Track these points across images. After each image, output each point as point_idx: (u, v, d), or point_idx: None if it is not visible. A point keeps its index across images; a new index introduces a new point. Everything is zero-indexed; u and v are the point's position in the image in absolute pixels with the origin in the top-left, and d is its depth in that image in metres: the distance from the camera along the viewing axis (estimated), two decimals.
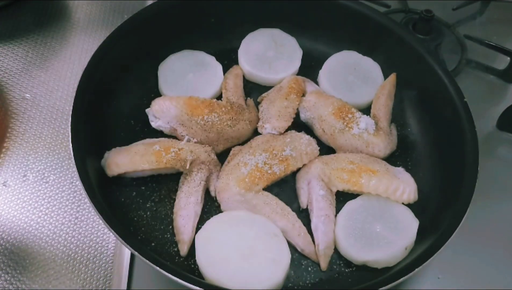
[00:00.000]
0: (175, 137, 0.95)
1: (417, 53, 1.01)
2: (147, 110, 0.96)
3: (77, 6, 1.23)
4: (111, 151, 0.89)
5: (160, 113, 0.93)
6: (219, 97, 1.02)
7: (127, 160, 0.86)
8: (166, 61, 1.04)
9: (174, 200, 0.87)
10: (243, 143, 0.97)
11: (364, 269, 0.83)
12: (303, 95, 1.01)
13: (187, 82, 1.02)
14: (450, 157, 0.92)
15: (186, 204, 0.85)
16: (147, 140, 0.92)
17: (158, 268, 0.70)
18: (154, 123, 0.95)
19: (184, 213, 0.85)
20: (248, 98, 1.03)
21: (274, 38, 1.10)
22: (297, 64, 1.07)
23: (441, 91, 0.96)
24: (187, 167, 0.87)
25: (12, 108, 1.03)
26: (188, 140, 0.92)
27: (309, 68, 1.08)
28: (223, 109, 0.94)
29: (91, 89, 0.89)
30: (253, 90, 1.06)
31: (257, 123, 0.98)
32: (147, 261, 0.71)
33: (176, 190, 0.89)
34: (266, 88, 1.06)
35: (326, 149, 0.96)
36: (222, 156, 0.94)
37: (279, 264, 0.78)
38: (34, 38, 1.15)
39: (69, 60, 1.12)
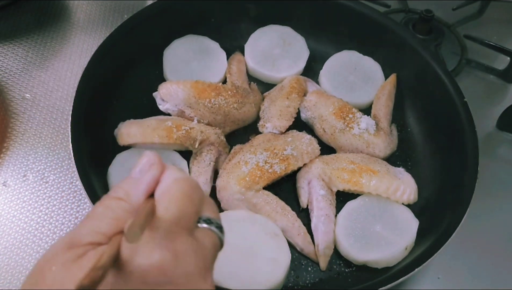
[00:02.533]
0: None
1: (417, 53, 1.01)
2: (154, 94, 0.96)
3: (77, 6, 1.23)
4: (125, 122, 0.91)
5: (168, 97, 0.94)
6: (223, 83, 1.03)
7: (139, 131, 0.88)
8: (170, 47, 1.05)
9: None
10: (248, 125, 0.99)
11: (364, 269, 0.83)
12: (305, 94, 1.01)
13: (192, 69, 1.03)
14: (450, 157, 0.92)
15: None
16: (161, 117, 0.94)
17: None
18: (162, 106, 0.95)
19: None
20: (252, 82, 1.04)
21: (283, 36, 1.09)
22: (301, 65, 1.07)
23: (441, 91, 0.96)
24: (196, 146, 0.89)
25: (12, 108, 1.03)
26: (199, 121, 0.93)
27: (310, 68, 1.08)
28: (229, 92, 0.95)
29: (91, 89, 0.89)
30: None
31: (261, 104, 1.00)
32: None
33: None
34: (269, 84, 1.06)
35: (326, 149, 0.96)
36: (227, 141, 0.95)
37: (279, 264, 0.78)
38: (34, 38, 1.15)
39: (69, 60, 1.12)
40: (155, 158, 0.50)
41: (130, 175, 0.50)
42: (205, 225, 0.49)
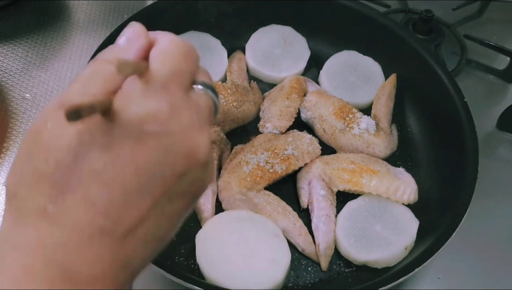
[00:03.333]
0: None
1: (417, 53, 1.01)
2: None
3: (77, 6, 1.23)
4: None
5: None
6: (223, 82, 1.03)
7: None
8: None
9: None
10: (249, 125, 0.99)
11: (364, 269, 0.83)
12: (305, 95, 1.01)
13: None
14: (450, 157, 0.92)
15: None
16: None
17: (158, 268, 0.70)
18: None
19: None
20: (252, 80, 1.04)
21: (284, 36, 1.09)
22: (302, 65, 1.07)
23: (441, 91, 0.96)
24: None
25: (12, 108, 1.03)
26: None
27: (310, 68, 1.09)
28: (229, 91, 0.95)
29: None
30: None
31: (261, 105, 1.00)
32: None
33: None
34: (269, 84, 1.06)
35: (327, 149, 0.96)
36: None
37: (280, 264, 0.78)
38: (34, 38, 1.15)
39: (69, 60, 1.12)
40: (142, 28, 0.49)
41: (115, 43, 0.49)
42: (200, 87, 0.49)
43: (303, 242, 0.84)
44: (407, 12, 1.26)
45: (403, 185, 0.87)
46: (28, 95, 1.06)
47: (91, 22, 1.20)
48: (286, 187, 0.92)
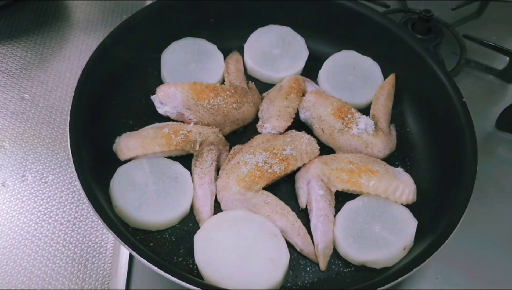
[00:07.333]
0: (182, 122, 0.96)
1: (416, 53, 1.01)
2: (152, 97, 0.96)
3: (77, 6, 1.24)
4: (122, 136, 0.91)
5: (166, 99, 0.94)
6: (221, 84, 1.03)
7: (138, 143, 0.88)
8: (168, 49, 1.05)
9: None
10: (247, 125, 0.99)
11: (362, 269, 0.83)
12: (303, 94, 1.01)
13: (189, 71, 1.03)
14: (449, 157, 0.92)
15: (201, 185, 0.87)
16: (156, 124, 0.94)
17: (156, 268, 0.70)
18: (161, 109, 0.95)
19: (200, 193, 0.87)
20: (250, 81, 1.04)
21: (282, 36, 1.10)
22: (300, 65, 1.07)
23: (440, 91, 0.96)
24: (197, 148, 0.89)
25: (11, 108, 1.03)
26: (196, 123, 0.93)
27: (309, 68, 1.08)
28: (228, 92, 0.96)
29: (90, 89, 0.89)
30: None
31: (260, 105, 1.00)
32: (146, 261, 0.71)
33: None
34: (268, 84, 1.07)
35: (325, 149, 0.96)
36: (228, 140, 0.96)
37: (278, 264, 0.78)
38: (33, 38, 1.16)
39: (68, 60, 1.12)
40: None
41: None
42: None
43: (301, 242, 0.84)
44: (406, 12, 1.26)
45: (402, 185, 0.87)
46: (27, 95, 1.06)
47: (90, 22, 1.20)
48: (285, 187, 0.92)
